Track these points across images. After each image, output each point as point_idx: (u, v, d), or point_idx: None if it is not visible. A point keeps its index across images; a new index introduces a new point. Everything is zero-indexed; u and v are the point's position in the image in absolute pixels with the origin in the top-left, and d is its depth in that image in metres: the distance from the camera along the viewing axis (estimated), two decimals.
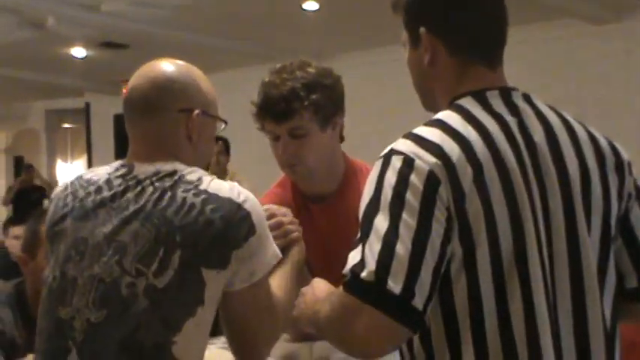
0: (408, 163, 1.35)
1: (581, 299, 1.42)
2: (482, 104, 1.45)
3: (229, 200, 1.65)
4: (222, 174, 6.44)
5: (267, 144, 2.26)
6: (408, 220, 1.32)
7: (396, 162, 1.36)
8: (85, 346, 1.61)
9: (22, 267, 2.47)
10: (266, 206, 1.98)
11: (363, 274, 1.30)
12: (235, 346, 1.80)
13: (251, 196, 1.70)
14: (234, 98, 4.02)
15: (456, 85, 1.49)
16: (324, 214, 2.28)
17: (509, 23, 1.54)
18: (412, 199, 1.33)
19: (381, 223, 1.33)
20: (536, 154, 1.43)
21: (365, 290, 1.31)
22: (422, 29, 1.50)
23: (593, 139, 1.51)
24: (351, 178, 2.30)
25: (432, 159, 1.35)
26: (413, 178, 1.34)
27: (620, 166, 1.52)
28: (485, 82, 1.49)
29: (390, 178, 1.36)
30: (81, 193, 1.74)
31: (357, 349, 1.38)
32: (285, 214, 2.00)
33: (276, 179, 2.44)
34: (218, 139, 6.23)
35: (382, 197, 1.35)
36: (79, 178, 1.79)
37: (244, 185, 1.72)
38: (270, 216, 1.95)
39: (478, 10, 1.51)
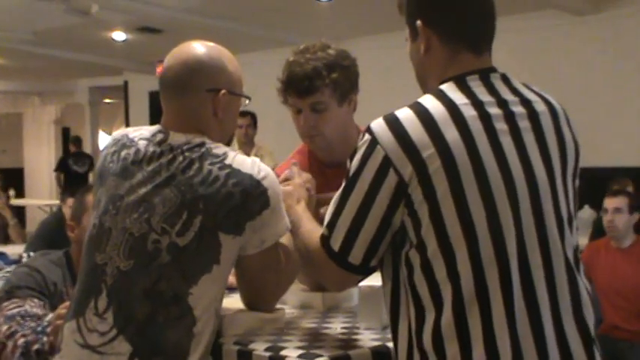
0: (372, 144, 1.44)
1: (546, 239, 1.44)
2: (460, 87, 1.48)
3: (250, 176, 1.66)
4: (250, 145, 6.42)
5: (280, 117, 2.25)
6: (357, 193, 1.45)
7: (366, 142, 1.45)
8: (114, 289, 1.63)
9: (69, 233, 2.50)
10: (289, 170, 1.97)
11: (324, 230, 1.51)
12: (246, 300, 1.87)
13: (270, 172, 1.71)
14: (255, 78, 4.01)
15: (445, 70, 1.52)
16: (338, 178, 2.27)
17: (497, 13, 1.55)
18: (366, 175, 1.43)
19: (341, 191, 1.48)
20: (514, 121, 1.46)
21: (323, 241, 1.50)
22: (418, 22, 1.54)
23: (559, 106, 1.56)
24: None
25: (392, 140, 1.41)
26: (372, 158, 1.43)
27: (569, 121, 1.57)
28: (468, 67, 1.51)
29: (359, 153, 1.46)
30: (124, 152, 1.75)
31: (321, 279, 1.66)
32: (306, 179, 1.96)
33: (289, 149, 2.45)
34: (247, 113, 6.18)
35: (351, 168, 1.47)
36: (125, 135, 1.79)
37: (267, 157, 1.72)
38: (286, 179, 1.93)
39: (465, 3, 1.53)
